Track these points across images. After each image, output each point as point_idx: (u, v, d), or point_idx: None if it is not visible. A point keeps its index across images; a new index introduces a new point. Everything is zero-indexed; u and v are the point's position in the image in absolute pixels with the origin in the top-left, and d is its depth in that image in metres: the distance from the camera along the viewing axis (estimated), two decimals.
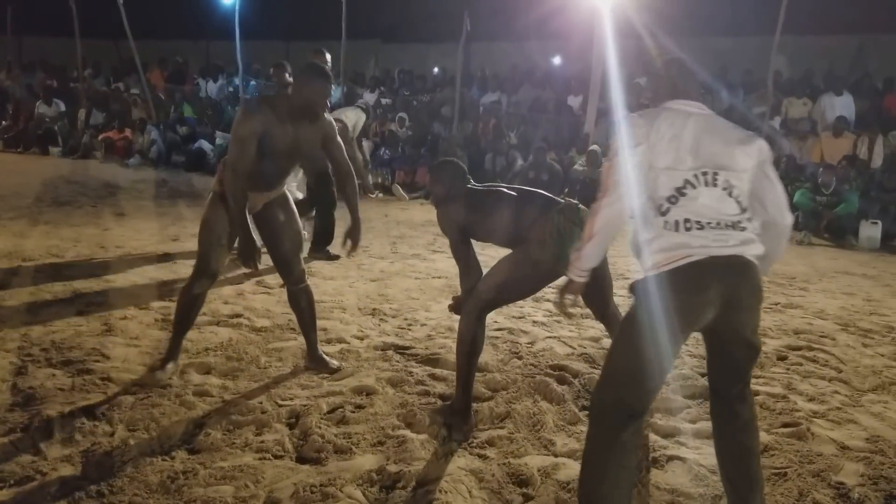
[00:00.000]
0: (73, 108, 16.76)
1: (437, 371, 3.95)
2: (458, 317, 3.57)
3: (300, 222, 3.92)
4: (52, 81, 17.89)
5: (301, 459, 2.96)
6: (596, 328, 4.76)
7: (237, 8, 15.53)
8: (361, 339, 4.47)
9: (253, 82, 17.28)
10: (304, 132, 3.67)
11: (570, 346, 4.42)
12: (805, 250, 8.59)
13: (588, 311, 4.98)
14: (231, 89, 17.38)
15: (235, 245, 3.68)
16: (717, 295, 2.32)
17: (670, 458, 3.05)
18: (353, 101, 15.32)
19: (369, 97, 15.63)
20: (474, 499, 2.72)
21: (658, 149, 2.41)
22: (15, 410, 3.27)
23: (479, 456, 3.03)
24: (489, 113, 13.81)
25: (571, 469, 2.92)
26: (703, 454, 3.09)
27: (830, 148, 10.60)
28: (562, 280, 2.70)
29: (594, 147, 11.35)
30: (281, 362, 4.00)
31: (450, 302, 3.72)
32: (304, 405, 3.42)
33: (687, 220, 2.36)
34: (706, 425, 3.35)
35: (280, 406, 3.42)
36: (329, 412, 3.39)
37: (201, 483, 2.73)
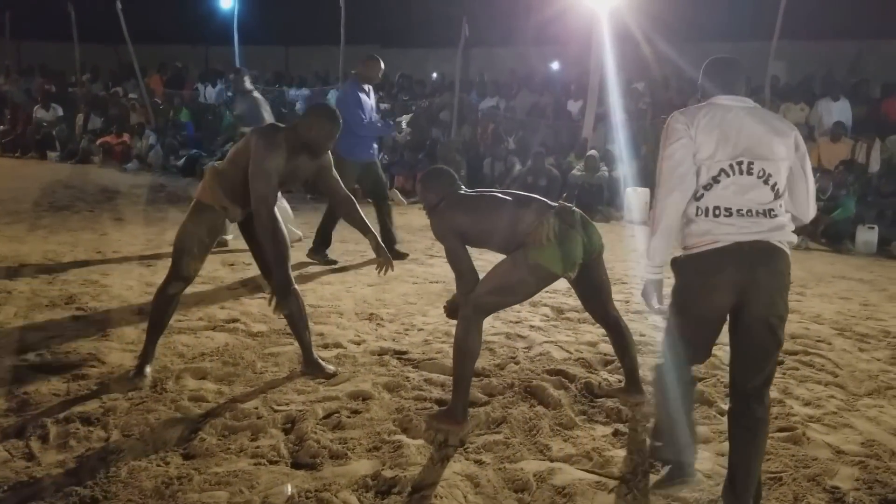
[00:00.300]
0: (71, 112, 16.76)
1: (434, 376, 3.94)
2: (454, 321, 3.57)
3: (285, 228, 3.93)
4: (50, 86, 17.88)
5: (296, 465, 2.96)
6: (593, 333, 4.76)
7: (236, 13, 15.56)
8: (358, 343, 4.47)
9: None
10: (304, 164, 3.75)
11: (567, 351, 4.42)
12: (802, 255, 8.58)
13: (586, 316, 5.00)
14: (230, 94, 17.38)
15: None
16: (735, 278, 2.51)
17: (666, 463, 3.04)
18: None
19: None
20: None
21: (698, 141, 2.59)
22: (10, 415, 3.26)
23: (475, 461, 3.03)
24: (488, 118, 13.81)
25: (567, 474, 2.92)
26: (700, 459, 3.08)
27: (828, 153, 10.60)
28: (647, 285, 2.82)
29: (592, 152, 11.36)
30: (277, 367, 4.00)
31: (444, 304, 3.72)
32: (300, 410, 3.41)
33: (717, 208, 2.57)
34: (702, 430, 3.36)
35: (276, 411, 3.42)
36: (325, 417, 3.38)
37: (196, 489, 2.72)
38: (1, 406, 3.35)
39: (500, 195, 3.50)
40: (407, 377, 3.92)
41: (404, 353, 4.32)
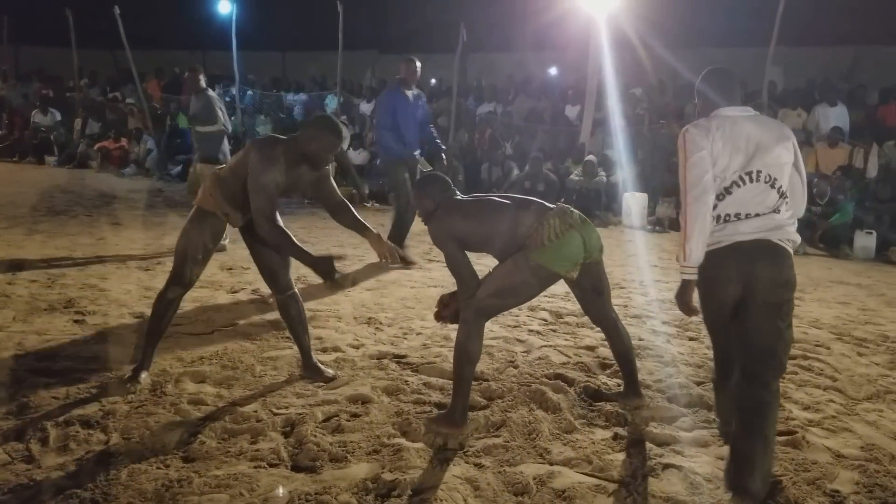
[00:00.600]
0: (69, 117, 16.77)
1: (433, 380, 3.94)
2: (451, 325, 3.57)
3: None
4: (48, 91, 17.89)
5: (296, 468, 2.95)
6: (592, 337, 4.76)
7: (234, 18, 15.57)
8: (357, 347, 4.47)
9: (249, 92, 17.32)
10: (305, 174, 3.75)
11: (566, 355, 4.42)
12: (800, 260, 8.53)
13: (584, 320, 5.01)
14: (228, 98, 17.41)
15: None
16: (739, 273, 2.79)
17: (666, 467, 3.04)
18: (350, 111, 15.38)
19: (366, 107, 15.65)
20: None
21: (713, 154, 2.83)
22: (9, 418, 3.26)
23: (475, 464, 3.03)
24: (485, 123, 13.84)
25: (567, 477, 2.92)
26: (699, 462, 3.09)
27: (825, 158, 10.64)
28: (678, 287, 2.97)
29: (590, 157, 11.38)
30: (276, 371, 4.00)
31: (435, 309, 3.69)
32: (300, 414, 3.41)
33: (728, 215, 2.84)
34: (702, 434, 3.37)
35: (275, 415, 3.41)
36: (324, 421, 3.38)
37: (196, 491, 2.72)
38: (0, 409, 3.34)
39: (497, 199, 3.50)
40: (406, 381, 3.92)
41: (403, 356, 4.32)
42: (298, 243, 3.60)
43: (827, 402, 3.86)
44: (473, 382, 3.53)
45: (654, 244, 9.21)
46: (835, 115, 11.27)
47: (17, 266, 6.07)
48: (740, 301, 2.83)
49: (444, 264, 3.53)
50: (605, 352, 4.38)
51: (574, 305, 5.43)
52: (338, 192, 3.98)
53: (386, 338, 4.69)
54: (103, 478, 2.78)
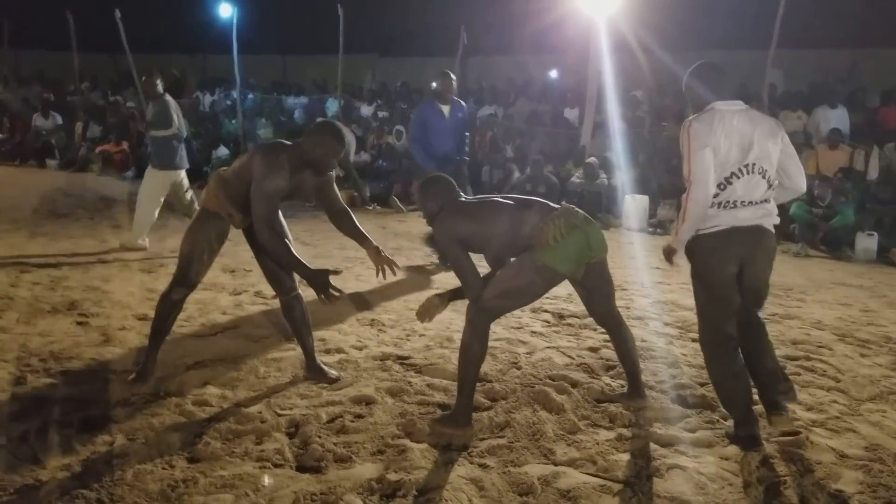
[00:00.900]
0: (70, 121, 16.76)
1: (436, 381, 3.95)
2: (455, 327, 3.58)
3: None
4: (49, 94, 17.90)
5: (301, 468, 2.96)
6: (594, 338, 4.77)
7: (235, 22, 15.58)
8: (360, 349, 4.47)
9: (250, 95, 17.33)
10: (309, 180, 3.76)
11: (569, 357, 4.43)
12: (802, 262, 8.60)
13: (587, 321, 5.02)
14: (229, 102, 17.43)
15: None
16: (738, 253, 3.21)
17: (670, 467, 3.05)
18: (351, 114, 15.39)
19: (366, 110, 15.67)
20: None
21: (716, 147, 3.14)
22: (14, 420, 3.27)
23: (480, 465, 3.03)
24: (486, 126, 13.84)
25: (572, 478, 2.93)
26: (703, 463, 3.10)
27: (826, 160, 10.63)
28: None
29: (591, 159, 11.38)
30: (280, 372, 4.00)
31: (419, 309, 3.63)
32: (304, 414, 3.42)
33: (726, 202, 3.20)
34: (705, 434, 3.38)
35: (279, 416, 3.42)
36: (328, 421, 3.39)
37: (202, 491, 2.73)
38: (5, 410, 3.35)
39: (500, 199, 3.51)
40: (409, 382, 3.92)
41: (406, 358, 4.32)
42: (296, 254, 3.61)
43: (830, 402, 3.86)
44: (476, 384, 3.53)
45: (654, 246, 9.19)
46: (835, 118, 11.28)
47: (19, 268, 6.07)
48: (739, 271, 3.26)
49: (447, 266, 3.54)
50: (608, 353, 4.39)
51: (576, 307, 5.44)
52: (340, 199, 3.98)
53: (389, 339, 4.70)
54: (109, 478, 2.78)
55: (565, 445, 3.24)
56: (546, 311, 5.43)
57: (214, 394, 3.65)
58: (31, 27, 18.94)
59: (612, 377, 4.10)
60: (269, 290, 5.55)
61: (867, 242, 9.10)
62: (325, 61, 17.39)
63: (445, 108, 7.04)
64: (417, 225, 9.75)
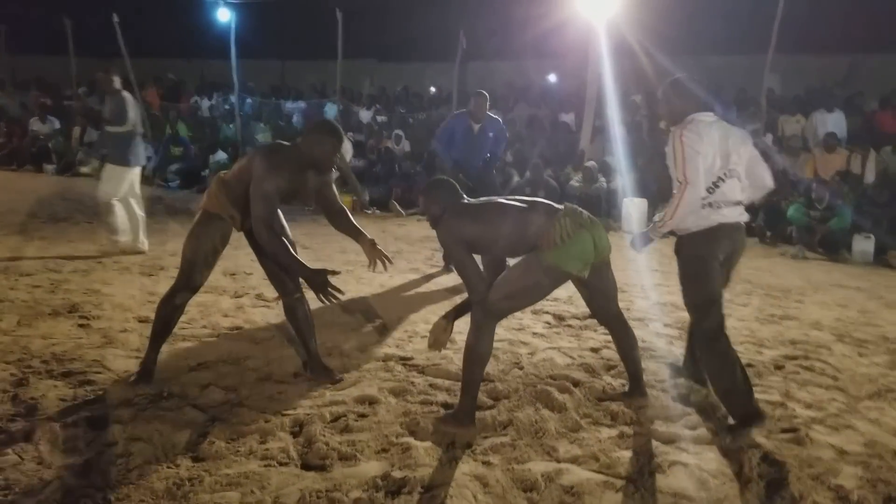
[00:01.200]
0: (67, 125, 16.77)
1: (439, 381, 3.97)
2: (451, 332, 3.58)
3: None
4: (46, 99, 17.90)
5: (306, 466, 2.97)
6: (595, 339, 4.79)
7: (233, 27, 15.62)
8: (362, 350, 4.49)
9: (249, 100, 17.35)
10: (310, 180, 3.78)
11: (570, 357, 4.45)
12: (800, 264, 8.64)
13: (588, 322, 5.05)
14: (227, 107, 17.46)
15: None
16: (726, 249, 3.52)
17: (672, 464, 3.07)
18: (349, 119, 15.43)
19: (365, 115, 15.70)
20: (479, 503, 2.74)
21: (704, 156, 3.42)
22: (18, 420, 3.27)
23: (483, 462, 3.05)
24: None
25: (575, 474, 2.95)
26: (705, 459, 3.12)
27: (823, 163, 10.68)
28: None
29: (590, 163, 11.42)
30: (282, 373, 4.01)
31: (429, 340, 3.62)
32: (308, 414, 3.43)
33: (716, 202, 3.49)
34: (706, 431, 3.40)
35: (283, 416, 3.43)
36: (332, 421, 3.40)
37: (207, 489, 2.74)
38: (9, 410, 3.36)
39: (503, 201, 3.53)
40: (412, 382, 3.94)
41: (409, 358, 4.34)
42: (294, 254, 3.62)
43: (829, 400, 3.89)
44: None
45: (653, 249, 9.15)
46: (832, 121, 11.34)
47: (19, 271, 6.08)
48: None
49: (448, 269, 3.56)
50: (609, 353, 4.41)
51: (577, 309, 5.47)
52: (338, 199, 4.03)
53: (391, 340, 4.72)
54: (114, 477, 2.80)
55: (568, 443, 3.26)
56: (547, 312, 5.45)
57: (217, 395, 3.66)
58: (29, 32, 18.97)
59: (612, 377, 4.12)
60: (270, 293, 5.59)
61: (864, 245, 9.14)
62: (324, 66, 17.46)
63: (476, 126, 7.13)
64: (417, 228, 9.77)
